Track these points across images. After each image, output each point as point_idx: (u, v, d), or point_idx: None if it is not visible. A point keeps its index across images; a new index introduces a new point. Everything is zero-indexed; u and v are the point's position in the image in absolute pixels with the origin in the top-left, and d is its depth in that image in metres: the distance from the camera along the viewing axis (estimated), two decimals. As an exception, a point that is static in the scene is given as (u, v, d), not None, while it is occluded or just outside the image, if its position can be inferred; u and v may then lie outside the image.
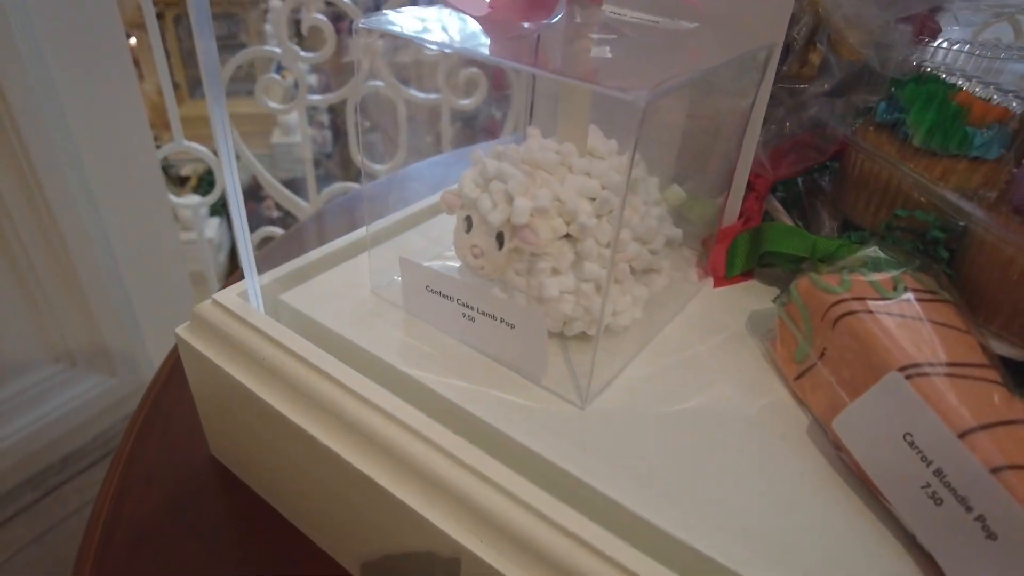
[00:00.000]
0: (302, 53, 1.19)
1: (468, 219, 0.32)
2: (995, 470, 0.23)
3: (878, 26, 0.36)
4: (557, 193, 0.30)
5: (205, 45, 0.27)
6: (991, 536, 0.23)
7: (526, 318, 0.30)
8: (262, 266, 0.37)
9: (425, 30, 0.31)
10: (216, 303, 0.36)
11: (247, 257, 0.35)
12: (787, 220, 0.42)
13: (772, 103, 0.40)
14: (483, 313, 0.31)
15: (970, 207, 0.32)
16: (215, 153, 1.21)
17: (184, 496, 0.38)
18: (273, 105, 1.24)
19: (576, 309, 0.31)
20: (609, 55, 0.29)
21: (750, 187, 0.41)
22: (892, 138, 0.38)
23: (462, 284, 0.32)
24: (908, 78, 0.37)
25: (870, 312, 0.30)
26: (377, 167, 1.19)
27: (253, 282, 0.36)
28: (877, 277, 0.32)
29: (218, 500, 0.38)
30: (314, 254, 0.40)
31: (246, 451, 0.37)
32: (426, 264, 0.34)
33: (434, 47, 0.28)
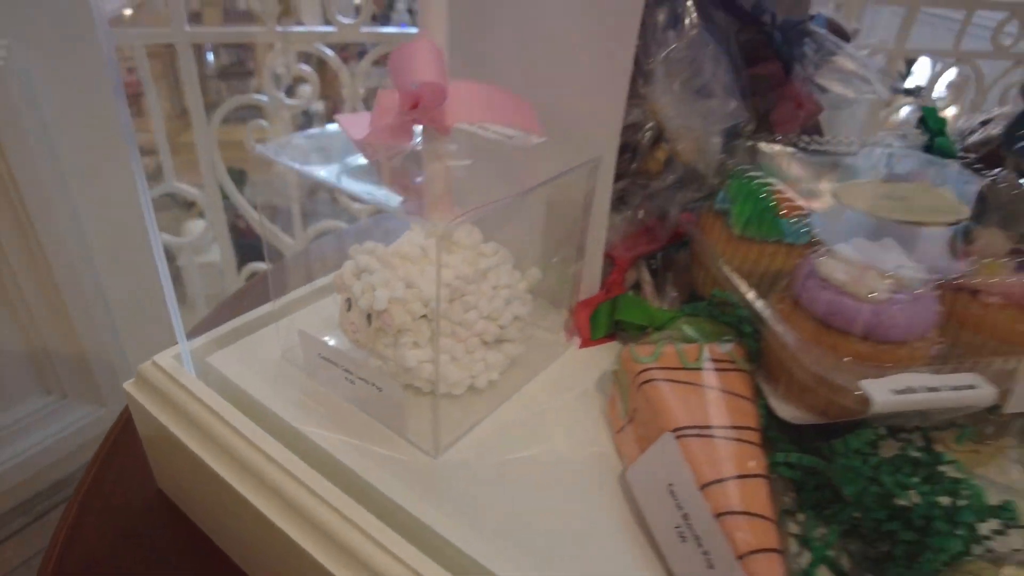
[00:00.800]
0: (287, 101, 1.28)
1: (348, 300, 0.39)
2: (718, 515, 0.30)
3: (700, 135, 0.43)
4: (417, 281, 0.38)
5: (124, 123, 0.34)
6: (711, 567, 0.30)
7: (388, 383, 0.37)
8: (223, 314, 0.44)
9: (319, 148, 0.39)
10: (155, 364, 0.44)
11: (177, 325, 0.43)
12: (650, 290, 0.49)
13: (628, 193, 0.48)
14: (360, 378, 0.39)
15: (753, 299, 0.39)
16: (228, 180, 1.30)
17: (138, 526, 0.45)
18: (261, 149, 1.33)
19: (434, 374, 0.39)
20: (456, 175, 0.36)
21: (613, 262, 0.48)
22: (723, 225, 0.45)
23: (345, 354, 0.39)
24: (735, 175, 0.45)
25: (666, 380, 0.37)
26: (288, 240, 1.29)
27: (184, 348, 0.44)
28: (685, 348, 0.39)
29: (168, 531, 0.45)
30: (240, 319, 0.48)
31: (184, 489, 0.44)
32: (325, 336, 0.42)
33: (308, 175, 0.36)
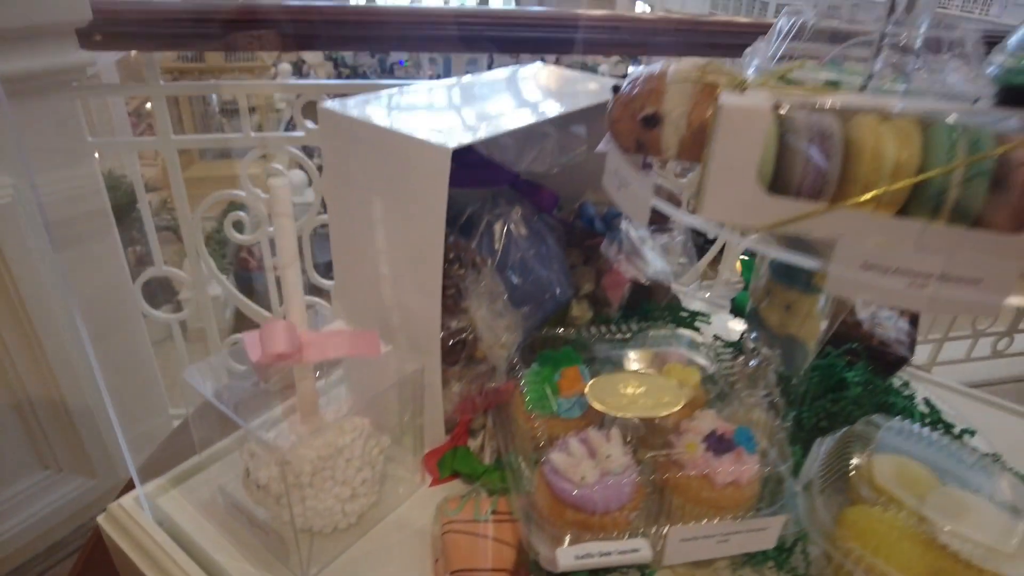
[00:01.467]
0: (263, 196, 1.46)
1: (246, 469, 0.58)
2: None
3: (495, 342, 0.62)
4: (292, 460, 0.56)
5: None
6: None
7: (274, 528, 0.55)
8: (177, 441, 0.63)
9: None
10: (120, 506, 0.62)
11: (134, 474, 0.61)
12: (475, 446, 0.67)
13: (464, 372, 0.66)
14: (256, 524, 0.57)
15: (524, 466, 0.58)
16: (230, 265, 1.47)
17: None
18: (240, 237, 1.51)
19: (305, 523, 0.57)
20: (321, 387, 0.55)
21: (457, 420, 0.67)
22: (521, 399, 0.63)
23: (246, 506, 0.57)
24: (531, 369, 0.63)
25: (461, 531, 0.55)
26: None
27: (140, 493, 0.62)
28: (481, 501, 0.58)
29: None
30: (189, 462, 0.66)
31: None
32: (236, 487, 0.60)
33: (221, 409, 0.54)
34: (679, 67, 0.53)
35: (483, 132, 0.56)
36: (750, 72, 0.58)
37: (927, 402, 0.74)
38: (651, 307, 0.80)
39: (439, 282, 0.58)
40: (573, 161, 0.68)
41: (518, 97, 0.70)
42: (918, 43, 0.51)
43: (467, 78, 0.75)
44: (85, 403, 1.25)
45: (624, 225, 0.78)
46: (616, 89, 0.57)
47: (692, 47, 1.24)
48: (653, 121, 0.52)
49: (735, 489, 0.54)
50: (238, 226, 1.50)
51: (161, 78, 1.24)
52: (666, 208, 0.47)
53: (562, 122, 0.66)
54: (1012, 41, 0.52)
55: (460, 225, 0.71)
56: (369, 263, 0.63)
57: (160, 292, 1.53)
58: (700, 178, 0.43)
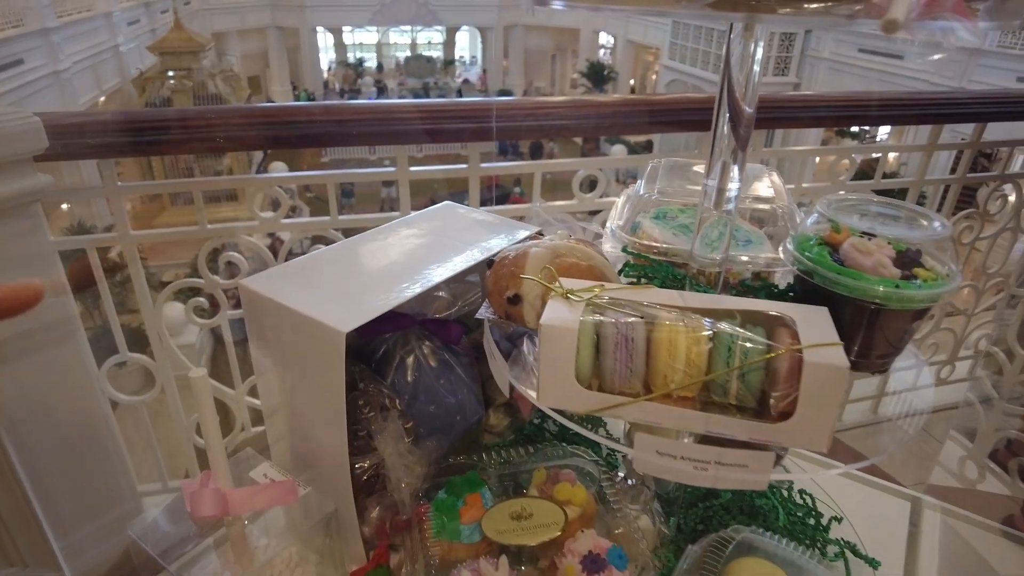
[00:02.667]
0: (221, 282, 1.53)
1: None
2: None
3: (403, 478, 0.71)
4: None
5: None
6: None
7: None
8: None
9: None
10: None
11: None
12: (394, 564, 0.75)
13: (379, 501, 0.75)
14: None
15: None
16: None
17: None
18: (202, 321, 1.59)
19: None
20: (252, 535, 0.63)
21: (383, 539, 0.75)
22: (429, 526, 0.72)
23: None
24: (437, 499, 0.72)
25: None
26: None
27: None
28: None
29: None
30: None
31: None
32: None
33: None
34: (536, 254, 0.63)
35: (379, 306, 0.65)
36: (605, 244, 0.68)
37: (801, 493, 0.83)
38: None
39: (344, 434, 0.67)
40: (472, 308, 0.77)
41: (421, 253, 0.79)
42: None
43: (377, 234, 0.84)
44: (46, 491, 1.32)
45: (525, 344, 0.88)
46: (489, 264, 0.67)
47: (657, 125, 1.30)
48: (515, 300, 0.62)
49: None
50: (199, 311, 1.57)
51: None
52: (525, 392, 0.56)
53: (459, 275, 0.75)
54: (800, 228, 0.62)
55: (376, 360, 0.80)
56: (289, 414, 0.72)
57: (134, 340, 1.60)
58: (537, 374, 0.52)
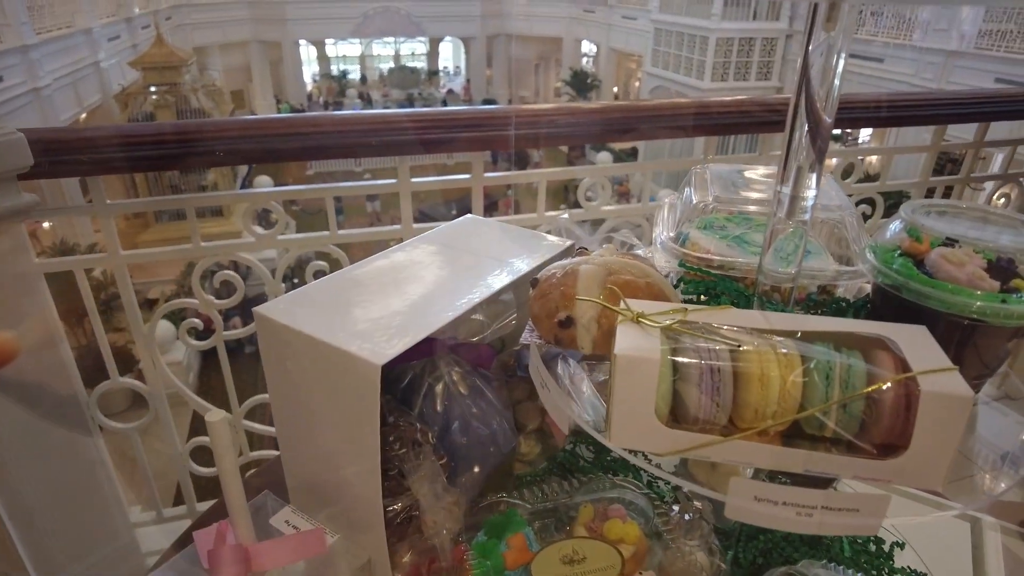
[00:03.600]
0: (217, 302, 1.46)
1: None
2: None
3: (443, 511, 0.64)
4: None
5: None
6: None
7: None
8: None
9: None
10: None
11: None
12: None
13: (413, 543, 0.68)
14: None
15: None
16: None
17: None
18: (195, 343, 1.51)
19: None
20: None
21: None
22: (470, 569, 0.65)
23: None
24: (475, 543, 0.65)
25: None
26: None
27: None
28: None
29: None
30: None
31: None
32: None
33: None
34: (587, 272, 0.56)
35: (412, 334, 0.59)
36: (655, 258, 0.62)
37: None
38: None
39: (378, 477, 0.60)
40: (504, 330, 0.71)
41: (448, 273, 0.73)
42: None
43: (398, 252, 0.78)
44: (33, 534, 1.23)
45: (560, 367, 0.81)
46: (534, 283, 0.61)
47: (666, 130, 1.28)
48: (567, 324, 0.56)
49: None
50: (192, 332, 1.50)
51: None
52: (590, 430, 0.50)
53: (492, 296, 0.69)
54: (882, 237, 0.57)
55: (401, 390, 0.73)
56: (312, 452, 0.65)
57: (119, 359, 1.52)
58: (607, 408, 0.46)
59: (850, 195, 1.72)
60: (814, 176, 0.51)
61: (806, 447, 0.46)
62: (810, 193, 0.52)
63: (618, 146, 12.02)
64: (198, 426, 1.42)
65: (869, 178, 1.82)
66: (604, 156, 12.06)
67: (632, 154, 12.41)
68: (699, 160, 1.47)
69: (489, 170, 1.42)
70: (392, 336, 0.58)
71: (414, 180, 1.37)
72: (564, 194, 10.28)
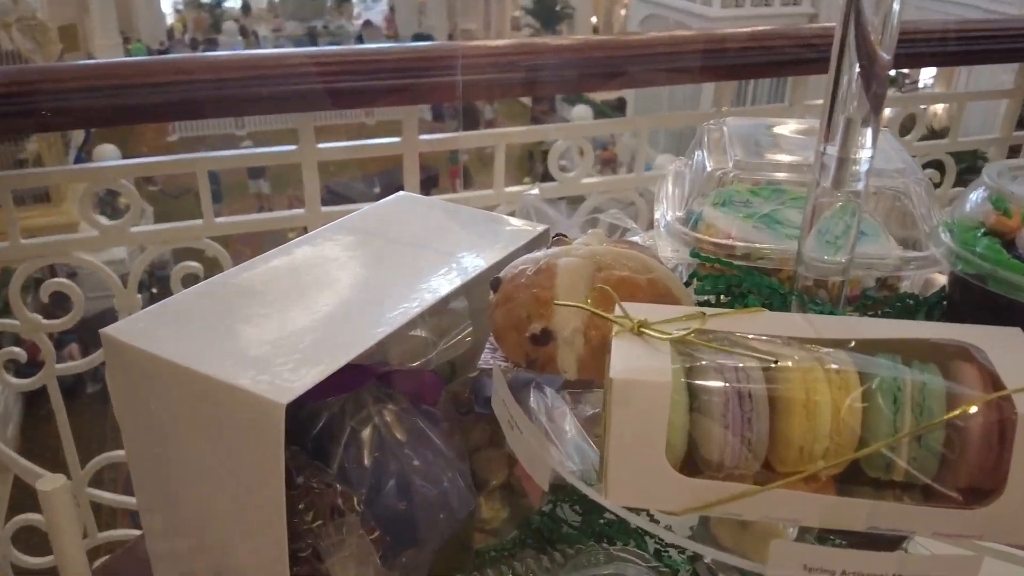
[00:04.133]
0: (44, 321, 1.42)
1: None
2: None
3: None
4: None
5: None
6: None
7: None
8: None
9: None
10: None
11: None
12: None
13: None
14: None
15: None
16: None
17: None
18: (11, 380, 1.47)
19: None
20: None
21: None
22: None
23: None
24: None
25: None
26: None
27: None
28: None
29: None
30: None
31: None
32: None
33: None
34: (569, 267, 0.57)
35: (327, 360, 0.58)
36: (660, 243, 0.63)
37: None
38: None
39: (284, 558, 0.59)
40: (456, 351, 0.71)
41: (374, 274, 0.72)
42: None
43: (303, 246, 0.77)
44: None
45: (533, 398, 0.81)
46: (496, 285, 0.61)
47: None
48: (543, 338, 0.56)
49: None
50: (10, 367, 1.47)
51: None
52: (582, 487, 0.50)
53: (438, 304, 0.69)
54: (960, 211, 0.59)
55: (313, 437, 0.72)
56: (189, 529, 0.63)
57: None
58: (601, 453, 0.46)
59: (915, 156, 1.78)
60: (868, 132, 0.52)
61: (869, 495, 0.47)
62: (864, 154, 0.53)
63: (600, 97, 12.16)
64: (24, 499, 1.37)
65: (934, 135, 1.88)
66: (582, 111, 12.18)
67: (619, 107, 12.57)
68: (710, 114, 1.49)
69: (426, 131, 1.42)
70: (298, 364, 0.58)
71: (321, 146, 1.36)
72: (528, 163, 10.35)
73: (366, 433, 0.72)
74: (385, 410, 0.73)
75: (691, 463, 0.47)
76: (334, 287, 0.70)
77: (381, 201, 0.90)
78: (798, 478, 0.44)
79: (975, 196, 0.58)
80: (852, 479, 0.48)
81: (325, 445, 0.71)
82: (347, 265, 0.74)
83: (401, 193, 0.91)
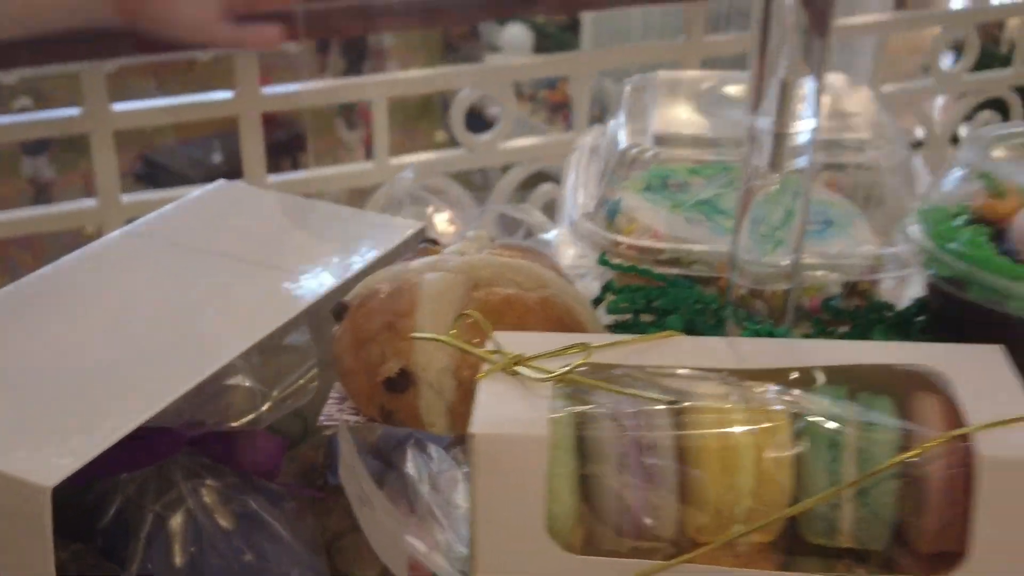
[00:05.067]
0: None
1: None
2: None
3: None
4: None
5: None
6: None
7: None
8: None
9: None
10: None
11: None
12: None
13: None
14: None
15: None
16: None
17: None
18: None
19: None
20: None
21: None
22: None
23: None
24: None
25: None
26: None
27: None
28: None
29: None
30: None
31: None
32: None
33: None
34: (435, 285, 0.63)
35: (112, 422, 0.62)
36: (561, 249, 0.69)
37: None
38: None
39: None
40: (299, 399, 0.75)
41: (182, 298, 0.77)
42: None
43: (79, 261, 0.80)
44: None
45: (410, 461, 0.86)
46: (340, 312, 0.67)
47: None
48: (401, 383, 0.62)
49: None
50: None
51: None
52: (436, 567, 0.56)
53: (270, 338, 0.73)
54: (936, 193, 0.66)
55: (101, 530, 0.76)
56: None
57: None
58: (470, 531, 0.53)
59: (964, 96, 1.76)
60: (812, 84, 0.58)
61: (816, 568, 0.54)
62: (806, 123, 0.59)
63: (544, 18, 12.13)
64: None
65: (996, 59, 1.86)
66: (516, 34, 12.16)
67: (571, 27, 12.57)
68: (678, 46, 1.55)
69: (282, 75, 1.43)
70: (71, 431, 0.62)
71: (118, 108, 1.37)
72: (442, 113, 10.28)
73: (176, 521, 0.76)
74: (203, 488, 0.77)
75: (587, 536, 0.53)
76: (125, 321, 0.74)
77: (197, 193, 0.92)
78: (710, 548, 0.51)
79: (953, 174, 0.65)
80: (797, 548, 0.54)
81: (120, 540, 0.75)
82: (143, 289, 0.77)
83: (223, 182, 0.94)
